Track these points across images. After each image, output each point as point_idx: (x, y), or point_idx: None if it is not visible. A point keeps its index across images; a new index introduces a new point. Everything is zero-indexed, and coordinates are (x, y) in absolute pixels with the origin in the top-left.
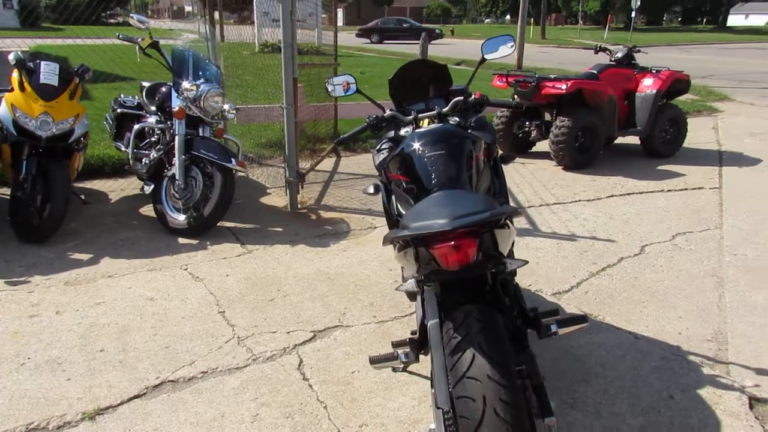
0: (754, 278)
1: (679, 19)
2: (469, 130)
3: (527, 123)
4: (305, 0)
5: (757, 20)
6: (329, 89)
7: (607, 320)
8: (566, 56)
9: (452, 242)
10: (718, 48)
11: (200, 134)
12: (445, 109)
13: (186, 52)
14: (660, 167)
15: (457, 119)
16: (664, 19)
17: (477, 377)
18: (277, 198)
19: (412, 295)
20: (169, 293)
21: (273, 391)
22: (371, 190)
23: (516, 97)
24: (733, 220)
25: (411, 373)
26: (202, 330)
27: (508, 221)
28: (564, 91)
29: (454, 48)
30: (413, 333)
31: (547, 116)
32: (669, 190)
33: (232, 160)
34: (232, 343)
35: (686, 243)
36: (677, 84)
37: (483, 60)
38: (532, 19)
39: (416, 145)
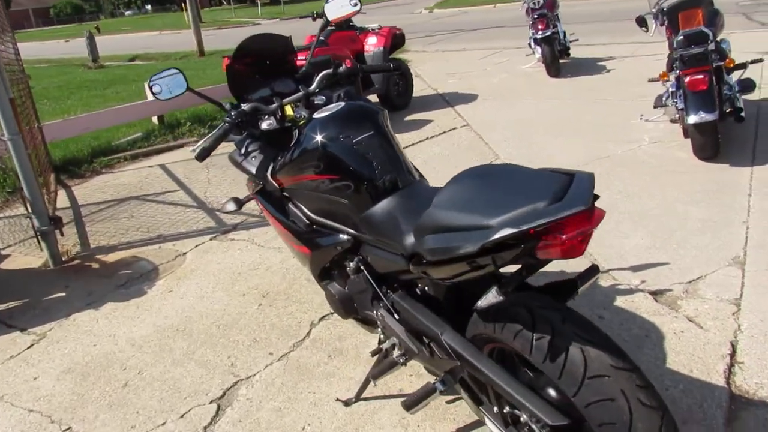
0: None
1: None
2: None
3: None
4: None
5: None
6: (155, 90)
7: None
8: (237, 35)
9: (588, 225)
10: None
11: None
12: (312, 87)
13: None
14: (407, 118)
15: (323, 98)
16: None
17: (603, 373)
18: (23, 257)
19: (347, 309)
20: None
21: None
22: (231, 206)
23: None
24: (502, 149)
25: (365, 399)
26: None
27: None
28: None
29: (117, 44)
30: (375, 353)
31: None
32: (433, 137)
33: None
34: None
35: None
36: (395, 39)
37: (327, 23)
38: (183, 5)
39: (323, 137)
